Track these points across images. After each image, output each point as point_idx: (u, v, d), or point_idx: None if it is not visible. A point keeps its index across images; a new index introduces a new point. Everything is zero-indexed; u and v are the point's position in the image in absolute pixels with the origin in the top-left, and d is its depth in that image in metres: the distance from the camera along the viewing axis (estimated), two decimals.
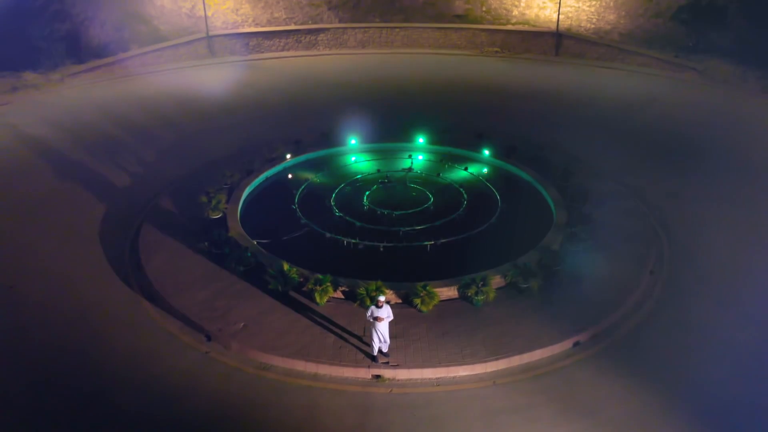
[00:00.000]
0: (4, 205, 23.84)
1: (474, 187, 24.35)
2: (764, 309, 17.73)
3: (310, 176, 25.14)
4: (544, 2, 46.68)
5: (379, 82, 38.35)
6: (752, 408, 14.42)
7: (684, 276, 19.51)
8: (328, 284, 17.50)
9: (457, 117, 31.58)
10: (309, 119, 31.54)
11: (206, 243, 19.78)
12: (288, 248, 20.09)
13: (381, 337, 15.30)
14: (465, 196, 23.47)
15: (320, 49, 45.29)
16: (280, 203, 23.23)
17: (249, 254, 18.98)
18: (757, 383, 15.11)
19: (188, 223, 21.68)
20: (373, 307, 15.17)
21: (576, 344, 16.54)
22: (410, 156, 26.83)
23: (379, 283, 17.17)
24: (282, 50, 44.93)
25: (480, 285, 17.40)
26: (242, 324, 16.99)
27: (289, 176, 25.51)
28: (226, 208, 21.90)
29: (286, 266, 18.07)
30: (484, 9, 47.29)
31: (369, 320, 15.23)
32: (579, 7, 45.98)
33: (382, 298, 15.23)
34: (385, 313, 15.13)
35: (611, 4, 45.61)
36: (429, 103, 34.17)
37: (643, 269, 19.47)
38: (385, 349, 15.69)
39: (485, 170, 25.67)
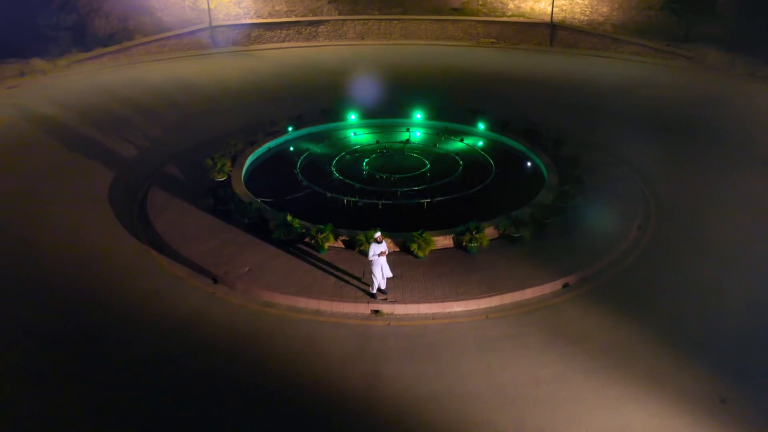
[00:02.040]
0: (16, 173, 24.68)
1: (470, 155, 25.25)
2: (742, 255, 18.74)
3: (311, 147, 26.01)
4: None
5: (378, 69, 39.25)
6: (727, 334, 15.31)
7: (669, 231, 20.37)
8: (329, 232, 18.33)
9: (453, 99, 32.48)
10: (309, 101, 32.28)
11: (212, 199, 20.61)
12: (290, 207, 20.80)
13: (383, 272, 16.09)
14: (461, 163, 24.34)
15: (320, 41, 46.34)
16: (283, 169, 24.12)
17: (253, 207, 19.81)
18: (733, 315, 16.05)
19: (194, 186, 22.52)
20: (374, 245, 15.98)
21: (565, 285, 17.36)
22: (408, 129, 27.73)
23: (377, 229, 17.89)
24: (283, 41, 45.97)
25: (474, 233, 18.22)
26: (247, 268, 17.80)
27: (291, 149, 26.34)
28: (230, 171, 22.75)
29: (289, 217, 18.91)
30: (480, 2, 48.42)
31: (373, 258, 15.96)
32: (573, 0, 47.15)
33: (378, 234, 16.08)
34: (385, 247, 15.99)
35: None
36: (426, 87, 35.07)
37: (631, 224, 20.32)
38: (383, 286, 16.48)
39: (480, 142, 26.56)
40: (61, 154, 26.47)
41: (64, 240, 19.86)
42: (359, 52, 43.88)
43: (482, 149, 25.77)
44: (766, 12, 40.13)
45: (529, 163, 24.62)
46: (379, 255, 15.89)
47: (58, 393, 13.63)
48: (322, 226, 18.48)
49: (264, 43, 45.68)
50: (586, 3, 46.78)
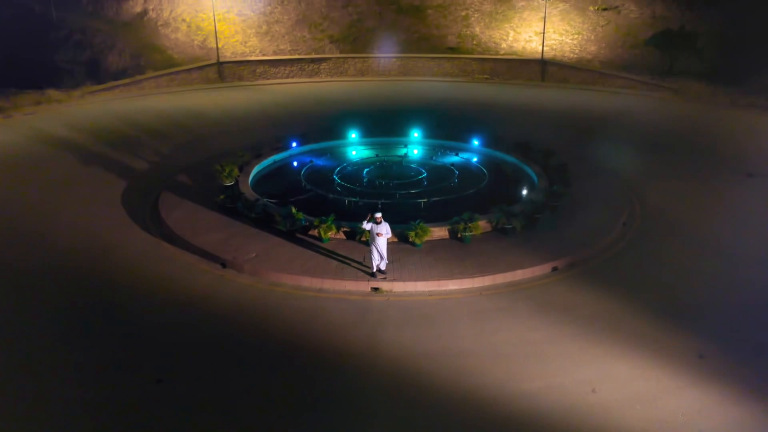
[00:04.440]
0: (32, 183, 25.92)
1: (464, 166, 26.68)
2: (721, 246, 19.90)
3: (314, 160, 27.43)
4: (530, 36, 50.49)
5: (377, 100, 41.29)
6: (706, 306, 16.40)
7: (653, 227, 21.54)
8: (331, 223, 19.48)
9: (449, 124, 34.10)
10: (311, 125, 33.88)
11: (221, 196, 21.86)
12: (295, 207, 21.97)
13: (380, 253, 17.17)
14: (456, 172, 25.71)
15: (322, 77, 48.58)
16: (287, 177, 25.54)
17: (259, 203, 21.02)
18: (711, 292, 17.14)
19: (204, 191, 23.76)
20: (372, 225, 17.12)
21: (554, 269, 18.40)
22: (406, 146, 29.25)
23: (378, 210, 18.70)
24: (287, 77, 48.19)
25: (468, 222, 19.37)
26: (254, 254, 18.87)
27: (295, 162, 27.76)
28: (238, 176, 24.05)
29: (293, 210, 20.11)
30: (474, 42, 51.04)
31: (370, 228, 17.05)
32: (562, 40, 49.74)
33: (378, 215, 17.20)
34: (384, 230, 17.11)
35: (592, 37, 49.44)
36: (424, 115, 36.70)
37: (617, 220, 21.50)
38: (383, 267, 17.52)
39: (475, 155, 28.01)
40: (76, 167, 27.84)
41: (80, 234, 20.94)
42: (359, 87, 46.03)
43: (476, 161, 27.21)
44: (744, 48, 42.54)
45: (521, 173, 25.96)
46: (377, 235, 17.00)
47: (77, 352, 14.51)
48: (325, 217, 19.64)
49: (269, 78, 47.89)
50: (575, 42, 49.33)
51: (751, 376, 13.41)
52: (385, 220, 17.31)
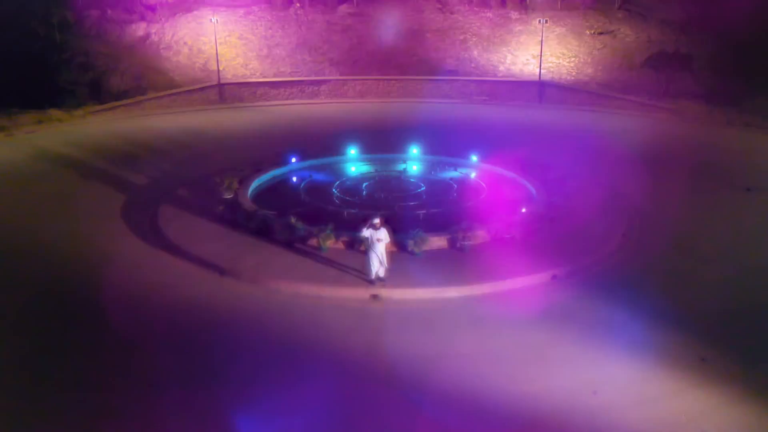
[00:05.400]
0: (33, 197, 25.95)
1: (463, 181, 26.78)
2: (719, 255, 19.98)
3: (314, 174, 27.54)
4: (527, 59, 51.10)
5: (377, 121, 41.53)
6: (706, 312, 16.33)
7: (654, 238, 21.50)
8: (331, 232, 19.46)
9: (448, 142, 34.26)
10: (311, 143, 34.06)
11: (221, 207, 21.88)
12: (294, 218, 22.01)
13: (380, 259, 17.12)
14: (455, 186, 25.80)
15: (322, 98, 49.02)
16: (286, 191, 25.62)
17: (258, 214, 21.03)
18: (710, 297, 17.18)
19: (203, 204, 23.73)
20: (371, 230, 17.11)
21: (554, 277, 18.32)
22: (405, 161, 29.39)
23: (378, 215, 18.66)
24: (287, 99, 48.62)
25: (466, 231, 19.36)
26: (253, 262, 18.79)
27: (294, 177, 27.85)
28: (237, 188, 24.10)
29: (292, 219, 20.10)
30: (472, 65, 51.63)
31: (365, 237, 17.04)
32: (560, 63, 50.35)
33: (376, 220, 17.19)
34: (383, 235, 17.10)
35: (589, 60, 50.06)
36: (422, 134, 36.89)
37: (617, 231, 21.49)
38: (382, 274, 17.44)
39: (474, 171, 28.13)
40: (76, 182, 27.87)
41: (78, 245, 20.83)
42: (359, 108, 46.41)
43: (475, 176, 27.31)
44: (739, 70, 43.05)
45: (519, 187, 26.02)
46: (377, 240, 16.97)
47: (74, 357, 14.38)
48: (324, 226, 19.63)
49: (269, 100, 48.30)
50: (572, 65, 49.93)
51: (755, 378, 13.27)
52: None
